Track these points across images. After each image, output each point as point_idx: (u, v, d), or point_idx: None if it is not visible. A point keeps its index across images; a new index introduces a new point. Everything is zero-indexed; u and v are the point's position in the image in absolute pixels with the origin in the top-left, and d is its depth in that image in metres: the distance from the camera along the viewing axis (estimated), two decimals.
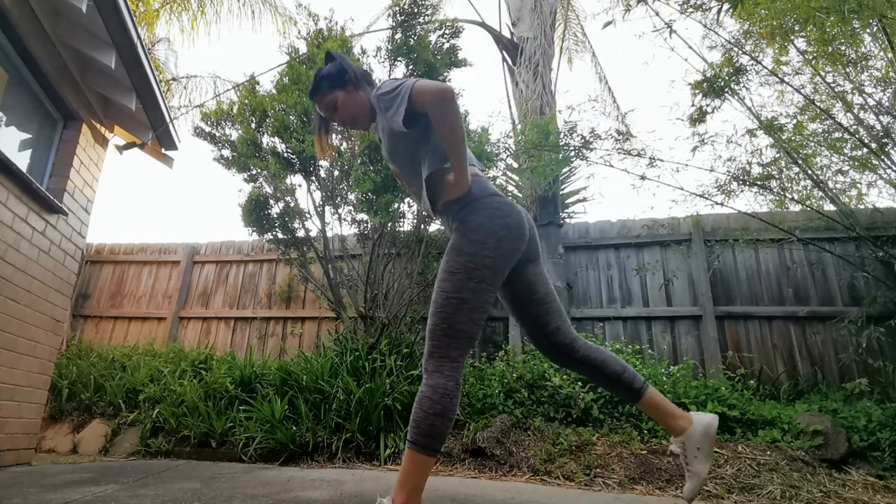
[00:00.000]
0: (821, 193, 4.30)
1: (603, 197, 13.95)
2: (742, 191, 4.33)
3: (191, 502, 2.00)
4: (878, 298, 4.20)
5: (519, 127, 5.48)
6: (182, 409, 3.96)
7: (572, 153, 4.67)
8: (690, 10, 4.24)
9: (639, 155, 4.26)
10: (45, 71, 3.30)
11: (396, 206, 4.25)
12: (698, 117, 4.23)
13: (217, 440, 3.71)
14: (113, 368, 4.94)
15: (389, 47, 4.72)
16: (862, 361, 4.18)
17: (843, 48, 3.97)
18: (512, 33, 6.45)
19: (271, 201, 4.82)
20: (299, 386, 3.83)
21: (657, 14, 4.27)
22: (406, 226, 4.83)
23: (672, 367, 3.80)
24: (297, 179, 4.85)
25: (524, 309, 1.71)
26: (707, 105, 4.19)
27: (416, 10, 4.56)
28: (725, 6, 3.99)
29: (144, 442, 3.87)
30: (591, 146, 4.49)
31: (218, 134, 5.02)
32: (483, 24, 6.53)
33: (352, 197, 4.69)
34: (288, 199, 4.84)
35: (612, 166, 4.43)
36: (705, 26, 4.48)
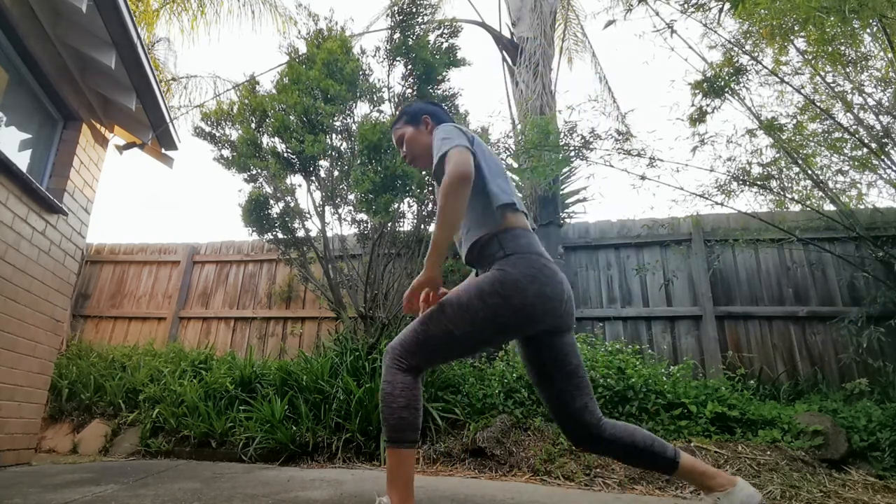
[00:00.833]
0: (821, 193, 4.31)
1: (603, 197, 13.98)
2: (742, 191, 4.33)
3: (191, 502, 2.00)
4: (878, 298, 4.20)
5: (519, 127, 5.48)
6: (182, 409, 3.96)
7: (572, 153, 4.67)
8: (691, 9, 4.24)
9: (639, 155, 4.26)
10: (45, 71, 3.30)
11: (396, 206, 4.25)
12: (698, 117, 4.23)
13: (217, 440, 3.71)
14: (113, 368, 4.94)
15: (388, 47, 4.72)
16: (862, 361, 4.18)
17: (843, 48, 3.97)
18: (512, 33, 6.45)
19: (271, 201, 4.82)
20: (299, 386, 3.83)
21: (657, 14, 4.27)
22: (406, 226, 4.83)
23: (672, 367, 3.80)
24: (297, 179, 4.85)
25: (550, 382, 1.56)
26: (707, 105, 4.19)
27: (414, 10, 4.56)
28: (725, 6, 4.00)
29: (144, 442, 3.88)
30: (591, 146, 4.49)
31: (218, 134, 5.03)
32: (483, 24, 6.54)
33: (352, 197, 4.69)
34: (288, 199, 4.84)
35: (612, 166, 4.44)
36: (705, 26, 4.48)
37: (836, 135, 4.20)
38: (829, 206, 4.32)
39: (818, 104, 4.22)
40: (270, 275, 6.29)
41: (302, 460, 3.43)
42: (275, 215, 4.80)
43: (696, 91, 4.14)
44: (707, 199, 4.28)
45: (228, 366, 4.48)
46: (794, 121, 4.25)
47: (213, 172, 27.25)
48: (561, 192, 5.91)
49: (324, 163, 4.66)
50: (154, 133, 4.11)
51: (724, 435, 3.10)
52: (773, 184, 4.30)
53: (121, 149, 4.20)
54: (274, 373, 4.07)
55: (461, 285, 1.56)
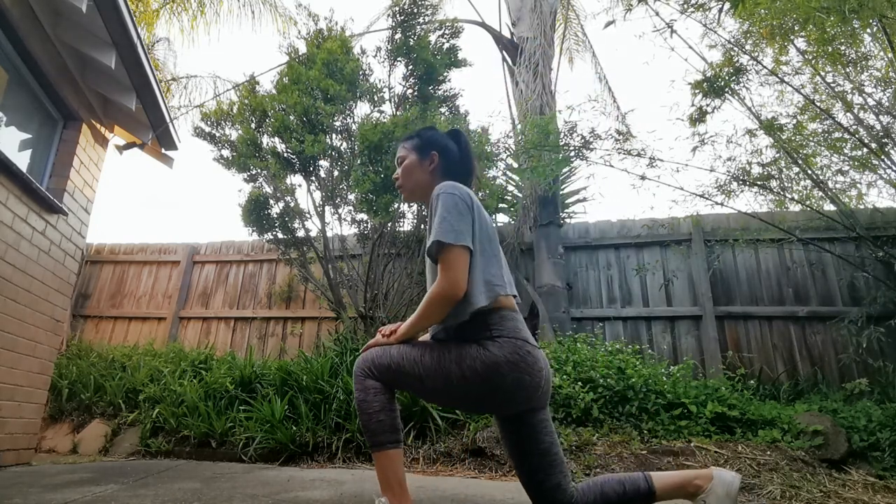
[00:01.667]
0: (821, 193, 4.31)
1: (603, 197, 13.95)
2: (742, 191, 4.34)
3: (191, 502, 2.00)
4: (878, 298, 4.20)
5: (519, 127, 5.48)
6: (182, 409, 3.96)
7: (572, 153, 4.67)
8: (690, 10, 4.24)
9: (639, 155, 4.26)
10: (45, 71, 3.30)
11: (396, 206, 4.25)
12: (698, 117, 4.23)
13: (217, 440, 3.71)
14: (113, 368, 4.94)
15: (389, 47, 4.72)
16: (862, 361, 4.19)
17: (843, 48, 3.97)
18: (512, 33, 6.45)
19: (271, 201, 4.82)
20: (299, 386, 3.83)
21: (657, 14, 4.27)
22: (406, 226, 4.83)
23: (672, 367, 3.80)
24: (297, 179, 4.86)
25: (525, 457, 1.54)
26: (707, 105, 4.19)
27: (415, 10, 4.57)
28: (726, 6, 3.99)
29: (144, 442, 3.87)
30: (591, 146, 4.49)
31: (218, 134, 5.03)
32: (483, 24, 6.54)
33: (352, 197, 4.69)
34: (288, 199, 4.84)
35: (612, 166, 4.44)
36: (705, 26, 4.48)
37: (836, 135, 4.20)
38: (829, 206, 4.33)
39: (818, 104, 4.22)
40: (270, 275, 6.29)
41: (302, 460, 3.43)
42: (275, 215, 4.81)
43: (696, 91, 4.14)
44: (707, 199, 4.28)
45: (228, 366, 4.48)
46: (794, 121, 4.26)
47: (213, 172, 27.26)
48: (561, 192, 5.91)
49: (324, 163, 4.66)
50: (154, 133, 4.11)
51: (724, 435, 3.10)
52: (773, 184, 4.30)
53: (121, 149, 4.21)
54: (274, 373, 4.07)
55: (443, 346, 1.49)
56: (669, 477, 1.53)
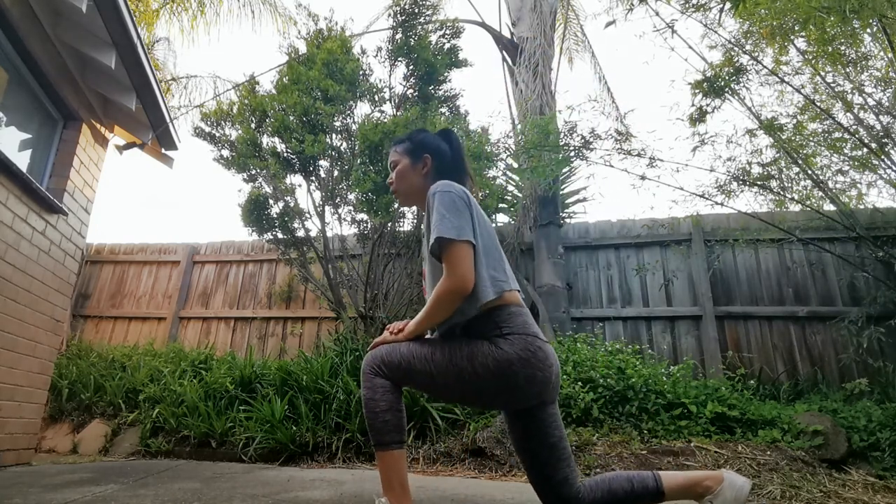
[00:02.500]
0: (821, 193, 4.31)
1: (603, 197, 13.95)
2: (742, 191, 4.34)
3: (191, 502, 2.00)
4: (878, 298, 4.20)
5: (519, 127, 5.48)
6: (182, 409, 3.96)
7: (572, 153, 4.67)
8: (691, 9, 4.24)
9: (639, 155, 4.26)
10: (45, 71, 3.30)
11: (396, 206, 4.25)
12: (698, 117, 4.23)
13: (217, 440, 3.71)
14: (113, 368, 4.94)
15: (390, 47, 4.72)
16: (862, 361, 4.18)
17: (843, 48, 3.97)
18: (512, 33, 6.45)
19: (271, 201, 4.82)
20: (299, 386, 3.83)
21: (657, 14, 4.27)
22: (406, 226, 4.83)
23: (672, 367, 3.80)
24: (296, 179, 4.86)
25: (533, 453, 1.54)
26: (707, 105, 4.19)
27: (416, 11, 4.57)
28: (726, 6, 3.99)
29: (144, 442, 3.87)
30: (590, 146, 4.49)
31: (218, 134, 5.03)
32: (483, 24, 6.54)
33: (352, 197, 4.69)
34: (288, 199, 4.84)
35: (612, 166, 4.44)
36: (705, 26, 4.48)
37: (836, 135, 4.20)
38: (829, 206, 4.33)
39: (818, 104, 4.22)
40: (270, 275, 6.29)
41: (302, 460, 3.43)
42: (274, 215, 4.81)
43: (696, 91, 4.14)
44: (707, 199, 4.28)
45: (228, 366, 4.48)
46: (794, 121, 4.26)
47: (214, 172, 27.25)
48: (561, 192, 5.91)
49: (324, 163, 4.66)
50: (154, 133, 4.11)
51: (724, 435, 3.10)
52: (773, 184, 4.30)
53: (121, 149, 4.21)
54: (274, 373, 4.07)
55: (454, 342, 1.48)
56: (679, 477, 1.52)
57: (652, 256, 5.23)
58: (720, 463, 2.75)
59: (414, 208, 4.66)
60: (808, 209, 4.21)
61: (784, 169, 4.34)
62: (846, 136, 4.14)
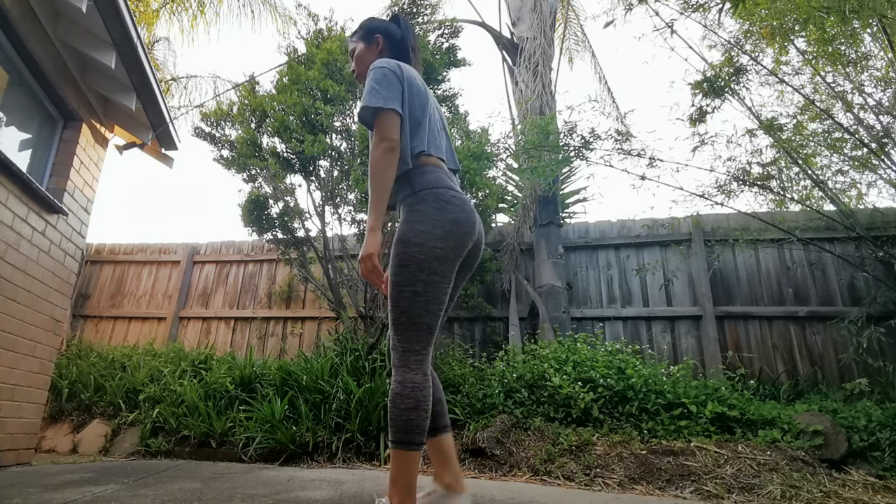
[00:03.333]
0: (821, 193, 4.31)
1: (603, 197, 13.97)
2: (742, 191, 4.33)
3: (191, 502, 2.00)
4: (878, 298, 4.20)
5: (519, 127, 5.48)
6: (182, 409, 3.96)
7: (572, 153, 4.67)
8: (690, 10, 4.24)
9: (639, 155, 4.26)
10: (46, 71, 3.30)
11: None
12: (698, 117, 4.23)
13: (217, 440, 3.71)
14: (113, 368, 4.93)
15: None
16: (862, 361, 4.18)
17: (843, 48, 3.97)
18: (512, 33, 6.45)
19: (271, 201, 4.82)
20: (299, 386, 3.83)
21: (657, 14, 4.27)
22: None
23: (672, 367, 3.80)
24: (296, 179, 4.85)
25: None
26: (707, 105, 4.19)
27: (415, 10, 4.57)
28: (726, 6, 3.99)
29: (144, 442, 3.87)
30: (590, 146, 4.49)
31: (217, 134, 5.03)
32: (483, 24, 6.54)
33: (352, 197, 4.69)
34: (287, 198, 4.84)
35: (612, 166, 4.44)
36: (705, 26, 4.48)
37: (836, 135, 4.20)
38: (829, 206, 4.33)
39: (818, 104, 4.22)
40: (270, 275, 6.29)
41: (302, 460, 3.43)
42: (274, 215, 4.81)
43: (696, 91, 4.14)
44: (707, 199, 4.28)
45: (228, 366, 4.48)
46: (794, 121, 4.26)
47: (214, 172, 27.25)
48: (561, 193, 5.91)
49: (324, 163, 4.66)
50: (154, 133, 4.11)
51: (724, 435, 3.10)
52: (773, 184, 4.30)
53: (121, 149, 4.21)
54: (274, 373, 4.07)
55: (391, 257, 1.58)
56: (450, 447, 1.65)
57: (652, 256, 5.23)
58: (720, 463, 2.75)
59: None
60: (808, 209, 4.21)
61: (784, 169, 4.34)
62: (846, 136, 4.14)
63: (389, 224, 4.49)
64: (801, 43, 4.21)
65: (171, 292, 6.44)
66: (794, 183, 4.40)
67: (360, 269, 1.55)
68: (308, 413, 3.59)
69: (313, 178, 4.66)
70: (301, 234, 4.87)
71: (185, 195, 27.30)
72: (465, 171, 4.09)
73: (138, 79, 3.62)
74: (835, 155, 4.29)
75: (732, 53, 4.29)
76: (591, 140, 4.47)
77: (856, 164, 4.23)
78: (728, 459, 2.78)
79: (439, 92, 4.92)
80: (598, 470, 2.78)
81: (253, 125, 4.73)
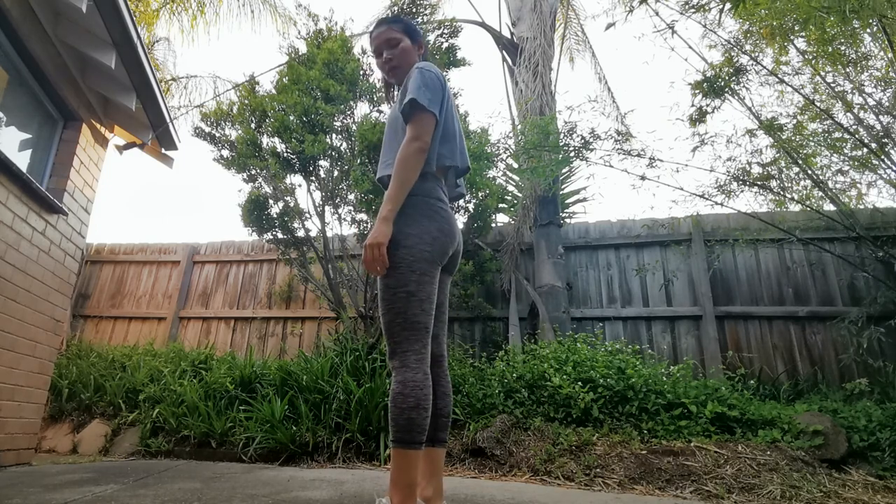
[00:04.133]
0: (821, 193, 4.31)
1: (603, 197, 13.97)
2: (742, 191, 4.33)
3: (191, 502, 2.00)
4: (879, 298, 4.20)
5: (519, 127, 5.48)
6: (182, 409, 3.96)
7: (572, 153, 4.67)
8: (691, 10, 4.24)
9: (639, 155, 4.26)
10: (46, 71, 3.30)
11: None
12: (698, 117, 4.23)
13: (217, 440, 3.71)
14: (113, 368, 4.93)
15: None
16: (862, 361, 4.18)
17: (843, 48, 3.97)
18: (512, 33, 6.45)
19: (271, 201, 4.82)
20: (299, 386, 3.83)
21: (657, 14, 4.27)
22: None
23: (672, 367, 3.80)
24: (297, 179, 4.85)
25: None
26: (707, 105, 4.19)
27: (415, 10, 4.57)
28: (726, 6, 3.99)
29: (144, 442, 3.87)
30: (590, 147, 4.49)
31: (217, 134, 5.03)
32: (483, 24, 6.53)
33: (352, 197, 4.69)
34: (287, 199, 4.84)
35: (612, 166, 4.44)
36: (705, 27, 4.48)
37: (836, 135, 4.20)
38: (829, 206, 4.32)
39: (818, 104, 4.22)
40: (270, 275, 6.29)
41: (302, 460, 3.43)
42: (274, 215, 4.81)
43: (696, 91, 4.14)
44: (707, 199, 4.28)
45: (228, 366, 4.48)
46: (794, 121, 4.25)
47: (214, 172, 27.26)
48: (561, 193, 5.91)
49: (324, 163, 4.66)
50: (154, 133, 4.11)
51: (724, 435, 3.10)
52: (773, 184, 4.30)
53: (121, 149, 4.21)
54: (274, 373, 4.07)
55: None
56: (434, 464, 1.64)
57: (652, 256, 5.23)
58: (720, 463, 2.75)
59: None
60: (808, 209, 4.21)
61: (784, 169, 4.34)
62: (846, 136, 4.14)
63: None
64: (801, 43, 4.21)
65: (171, 292, 6.44)
66: (794, 183, 4.40)
67: (364, 256, 1.55)
68: (308, 413, 3.59)
69: (313, 178, 4.66)
70: (301, 234, 4.87)
71: (185, 195, 27.31)
72: None
73: (138, 79, 3.62)
74: (835, 155, 4.29)
75: (732, 53, 4.29)
76: (591, 140, 4.47)
77: (856, 164, 4.23)
78: (728, 459, 2.78)
79: None
80: (598, 470, 2.78)
81: (253, 125, 4.73)
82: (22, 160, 3.35)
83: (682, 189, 4.36)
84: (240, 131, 4.78)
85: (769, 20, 3.90)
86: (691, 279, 5.04)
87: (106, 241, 7.05)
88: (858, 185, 4.38)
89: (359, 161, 4.22)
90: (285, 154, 4.54)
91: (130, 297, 6.56)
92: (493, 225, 5.55)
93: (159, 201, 26.29)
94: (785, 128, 4.14)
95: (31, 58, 3.20)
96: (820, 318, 4.59)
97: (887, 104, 4.05)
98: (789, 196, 4.32)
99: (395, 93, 2.01)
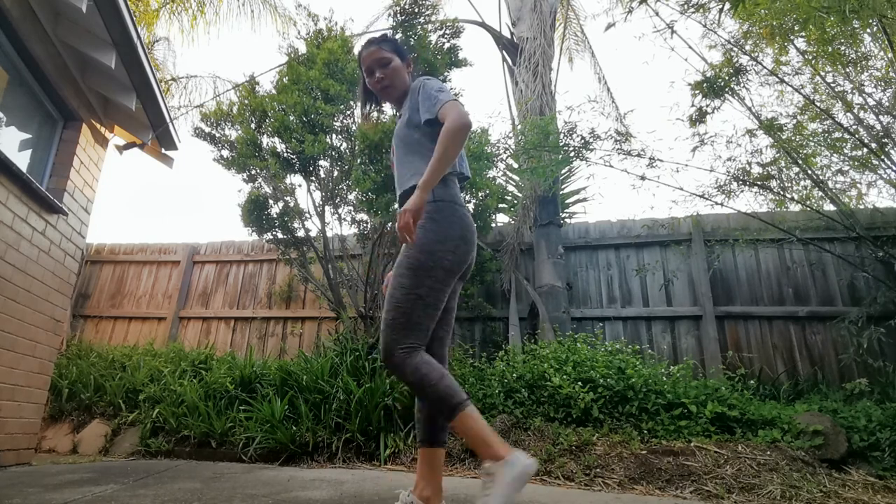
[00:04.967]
0: (821, 193, 4.31)
1: (603, 197, 13.97)
2: (742, 191, 4.33)
3: (191, 502, 2.00)
4: (879, 298, 4.20)
5: (519, 127, 5.48)
6: (182, 409, 3.96)
7: (572, 154, 4.67)
8: (691, 10, 4.24)
9: (639, 155, 4.26)
10: (46, 71, 3.30)
11: (396, 205, 4.25)
12: (698, 118, 4.22)
13: (217, 440, 3.71)
14: (113, 368, 4.93)
15: None
16: (862, 361, 4.18)
17: (843, 48, 3.97)
18: (512, 33, 6.45)
19: (271, 201, 4.82)
20: (299, 386, 3.83)
21: (657, 14, 4.27)
22: None
23: (672, 367, 3.80)
24: (297, 179, 4.86)
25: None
26: (707, 105, 4.19)
27: (416, 10, 4.56)
28: (725, 6, 3.99)
29: (144, 442, 3.87)
30: (590, 147, 4.49)
31: (217, 134, 5.03)
32: (483, 24, 6.54)
33: (352, 197, 4.69)
34: (287, 199, 4.84)
35: (611, 167, 4.44)
36: (705, 27, 4.48)
37: (836, 135, 4.20)
38: (829, 206, 4.32)
39: (818, 104, 4.22)
40: (270, 275, 6.29)
41: (302, 460, 3.43)
42: (274, 215, 4.81)
43: (696, 92, 4.13)
44: (707, 199, 4.28)
45: (228, 366, 4.48)
46: (794, 121, 4.25)
47: (214, 172, 27.26)
48: (561, 193, 5.91)
49: (324, 163, 4.66)
50: (154, 133, 4.11)
51: (724, 435, 3.10)
52: (773, 184, 4.30)
53: (121, 149, 4.21)
54: (274, 373, 4.07)
55: (399, 260, 1.65)
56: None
57: (652, 256, 5.23)
58: (720, 463, 2.75)
59: None
60: (808, 209, 4.21)
61: (784, 169, 4.34)
62: (846, 136, 4.14)
63: (390, 225, 4.50)
64: (801, 43, 4.21)
65: (171, 292, 6.44)
66: (794, 183, 4.40)
67: (397, 221, 1.55)
68: (308, 413, 3.59)
69: (313, 178, 4.66)
70: (301, 234, 4.87)
71: (185, 195, 27.31)
72: None
73: (138, 79, 3.62)
74: (835, 155, 4.29)
75: (732, 54, 4.29)
76: (591, 140, 4.47)
77: (856, 164, 4.23)
78: (728, 459, 2.78)
79: None
80: (598, 470, 2.78)
81: (253, 125, 4.73)
82: (22, 160, 3.35)
83: (682, 189, 4.36)
84: (240, 131, 4.78)
85: (769, 20, 3.90)
86: (691, 279, 5.04)
87: (106, 241, 7.06)
88: (858, 185, 4.39)
89: (359, 161, 4.22)
90: (285, 154, 4.54)
91: (130, 297, 6.56)
92: (493, 225, 5.55)
93: (159, 201, 26.30)
94: (785, 128, 4.14)
95: (31, 58, 3.20)
96: (820, 318, 4.59)
97: (887, 104, 4.05)
98: (789, 196, 4.33)
99: (372, 107, 2.08)
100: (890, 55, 3.82)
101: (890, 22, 3.54)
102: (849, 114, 4.18)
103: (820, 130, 4.30)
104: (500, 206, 5.82)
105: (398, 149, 1.83)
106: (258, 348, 5.84)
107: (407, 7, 4.56)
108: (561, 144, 4.61)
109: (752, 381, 3.94)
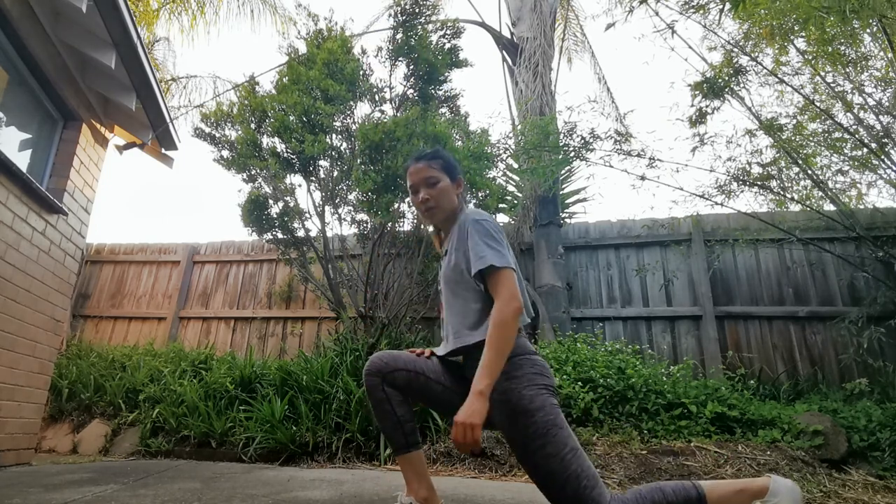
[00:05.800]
0: (821, 193, 4.31)
1: (603, 197, 13.96)
2: (742, 191, 4.34)
3: (191, 502, 2.00)
4: (879, 298, 4.20)
5: (519, 127, 5.48)
6: (182, 409, 3.96)
7: (572, 154, 4.67)
8: (691, 10, 4.24)
9: (639, 155, 4.26)
10: (45, 71, 3.30)
11: (397, 206, 4.25)
12: (698, 118, 4.22)
13: (217, 440, 3.71)
14: (113, 368, 4.93)
15: (390, 47, 4.72)
16: (862, 361, 4.18)
17: (843, 48, 3.97)
18: (512, 33, 6.45)
19: (271, 201, 4.82)
20: (299, 386, 3.83)
21: (657, 14, 4.27)
22: (406, 226, 4.83)
23: (672, 367, 3.80)
24: (297, 179, 4.85)
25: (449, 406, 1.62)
26: (707, 106, 4.19)
27: (416, 10, 4.57)
28: (726, 7, 3.99)
29: (144, 442, 3.87)
30: (590, 147, 4.49)
31: (217, 135, 5.02)
32: (483, 24, 6.54)
33: (352, 197, 4.69)
34: (287, 199, 4.84)
35: (611, 167, 4.44)
36: (705, 27, 4.48)
37: (836, 135, 4.20)
38: (829, 206, 4.33)
39: (818, 104, 4.22)
40: (270, 275, 6.29)
41: (302, 460, 3.43)
42: (274, 215, 4.81)
43: (696, 92, 4.13)
44: (707, 199, 4.29)
45: (228, 366, 4.48)
46: (794, 121, 4.26)
47: (214, 172, 27.26)
48: (561, 193, 5.91)
49: (324, 163, 4.66)
50: (154, 133, 4.11)
51: (724, 435, 3.10)
52: (773, 184, 4.30)
53: (121, 149, 4.21)
54: (274, 373, 4.07)
55: (517, 436, 1.46)
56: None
57: (652, 256, 5.23)
58: (720, 463, 2.75)
59: (415, 209, 4.66)
60: (808, 209, 4.21)
61: (784, 169, 4.35)
62: (846, 136, 4.14)
63: (390, 225, 4.49)
64: (800, 43, 4.21)
65: (171, 292, 6.43)
66: (794, 183, 4.40)
67: (454, 434, 1.34)
68: (308, 413, 3.59)
69: (313, 178, 4.66)
70: (301, 234, 4.87)
71: (185, 195, 27.30)
72: (465, 171, 4.09)
73: (138, 79, 3.62)
74: (835, 155, 4.29)
75: (732, 54, 4.29)
76: (591, 140, 4.47)
77: (856, 164, 4.24)
78: (728, 459, 2.78)
79: (441, 92, 4.92)
80: (598, 470, 2.78)
81: (253, 125, 4.73)
82: (22, 160, 3.35)
83: (682, 189, 4.37)
84: (240, 132, 4.78)
85: (769, 20, 3.90)
86: (691, 279, 5.04)
87: (106, 241, 7.06)
88: (858, 185, 4.39)
89: (359, 161, 4.22)
90: (285, 154, 4.53)
91: (130, 297, 6.56)
92: None
93: (159, 201, 26.29)
94: (785, 128, 4.14)
95: (31, 58, 3.20)
96: (820, 318, 4.59)
97: (887, 104, 4.05)
98: (789, 196, 4.33)
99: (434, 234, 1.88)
100: (890, 55, 3.82)
101: (890, 22, 3.54)
102: (849, 114, 4.18)
103: (820, 130, 4.31)
104: (500, 206, 5.81)
105: (446, 289, 1.66)
106: (258, 348, 5.84)
107: (407, 7, 4.57)
108: (561, 144, 4.61)
109: (752, 381, 3.95)
